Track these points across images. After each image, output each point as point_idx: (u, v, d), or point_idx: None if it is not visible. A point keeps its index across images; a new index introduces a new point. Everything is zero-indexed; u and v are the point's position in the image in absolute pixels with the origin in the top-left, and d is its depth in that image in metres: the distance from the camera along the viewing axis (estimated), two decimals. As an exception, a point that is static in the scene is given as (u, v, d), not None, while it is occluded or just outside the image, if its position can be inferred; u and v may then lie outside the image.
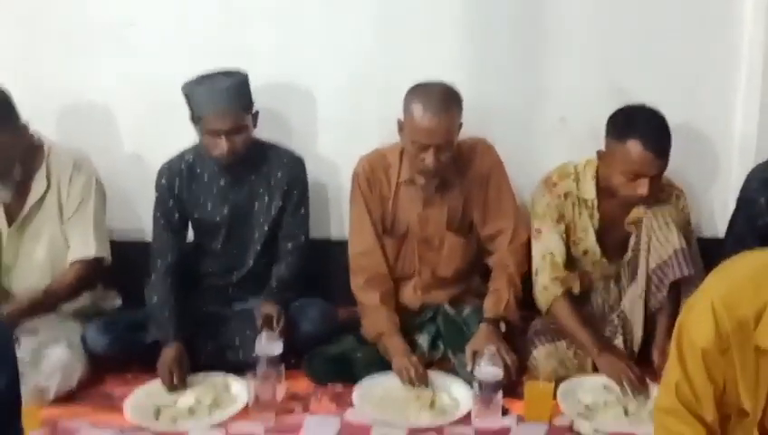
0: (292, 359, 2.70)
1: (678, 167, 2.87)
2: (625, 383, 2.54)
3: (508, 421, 2.46)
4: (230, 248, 2.91)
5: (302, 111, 3.14)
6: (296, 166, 2.89)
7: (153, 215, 2.89)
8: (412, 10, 3.05)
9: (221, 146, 2.68)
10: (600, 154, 2.69)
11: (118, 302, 3.01)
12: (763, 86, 3.01)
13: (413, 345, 2.76)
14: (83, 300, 2.86)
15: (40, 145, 2.77)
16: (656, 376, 2.55)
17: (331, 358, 2.73)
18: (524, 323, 2.82)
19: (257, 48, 3.02)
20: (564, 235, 2.77)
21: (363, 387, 2.62)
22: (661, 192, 2.69)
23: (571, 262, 2.80)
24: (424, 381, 2.60)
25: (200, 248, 2.95)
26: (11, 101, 2.64)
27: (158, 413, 2.52)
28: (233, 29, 3.04)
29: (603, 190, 2.73)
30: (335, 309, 2.90)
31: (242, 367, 2.63)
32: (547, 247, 2.75)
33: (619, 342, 2.71)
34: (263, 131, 2.88)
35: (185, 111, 2.73)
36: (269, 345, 2.56)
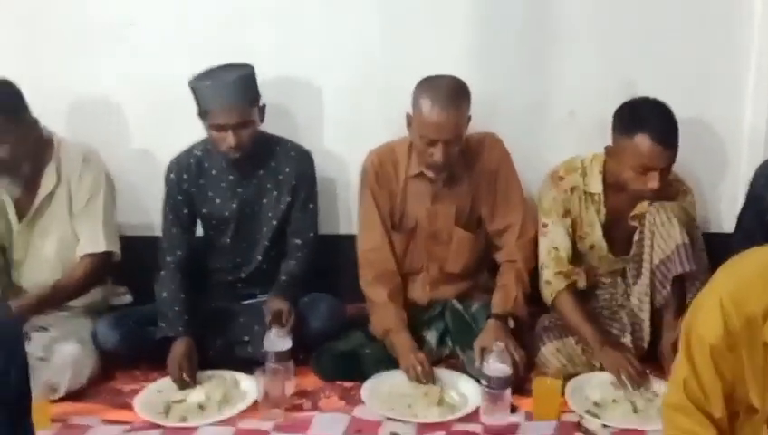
0: (301, 355, 2.70)
1: (687, 162, 2.87)
2: (624, 377, 2.54)
3: (516, 418, 2.46)
4: (239, 243, 2.92)
5: (309, 106, 3.14)
6: (304, 161, 2.89)
7: (162, 210, 2.90)
8: (418, 4, 3.04)
9: (228, 140, 2.68)
10: (607, 150, 2.69)
11: (128, 298, 3.01)
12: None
13: (421, 341, 2.77)
14: (93, 296, 2.86)
15: (49, 139, 2.78)
16: (663, 373, 2.55)
17: (340, 354, 2.74)
18: (532, 319, 2.82)
19: (262, 44, 3.02)
20: (570, 229, 2.77)
21: (372, 383, 2.62)
22: (669, 187, 2.68)
23: (577, 257, 2.80)
24: (430, 379, 2.60)
25: (209, 244, 2.96)
26: (22, 95, 2.66)
27: (167, 409, 2.52)
28: (235, 25, 3.03)
29: (610, 185, 2.72)
30: (344, 305, 2.90)
31: (251, 363, 2.63)
32: (552, 242, 2.75)
33: (627, 340, 2.70)
34: (269, 127, 2.89)
35: (191, 107, 2.73)
36: (278, 341, 2.57)
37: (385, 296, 2.77)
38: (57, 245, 2.80)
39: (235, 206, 2.86)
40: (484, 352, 2.55)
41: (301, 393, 2.63)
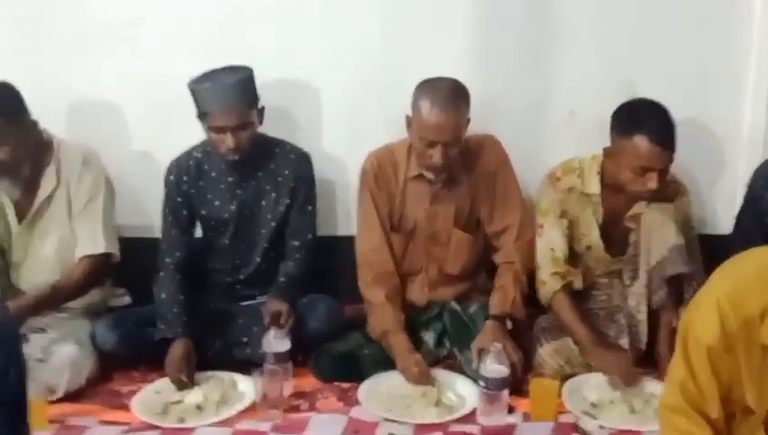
0: (299, 356, 2.71)
1: (686, 163, 2.88)
2: (615, 377, 2.54)
3: (514, 419, 2.46)
4: (238, 245, 2.92)
5: (308, 108, 3.14)
6: (303, 162, 2.90)
7: (161, 211, 2.91)
8: (418, 4, 3.05)
9: (227, 142, 2.68)
10: (606, 151, 2.69)
11: (127, 299, 3.01)
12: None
13: (419, 342, 2.77)
14: (92, 297, 2.86)
15: (49, 141, 2.78)
16: (661, 374, 2.55)
17: (338, 355, 2.74)
18: (530, 320, 2.82)
19: (261, 45, 3.02)
20: (567, 230, 2.77)
21: (369, 384, 2.62)
22: (666, 188, 2.68)
23: (574, 258, 2.80)
24: (427, 380, 2.60)
25: (208, 245, 2.96)
26: (21, 98, 2.66)
27: (165, 410, 2.52)
28: (235, 27, 3.04)
29: (608, 186, 2.73)
30: (342, 306, 2.90)
31: (249, 364, 2.63)
32: (549, 242, 2.75)
33: (624, 341, 2.70)
34: (269, 129, 2.89)
35: (191, 109, 2.73)
36: (277, 342, 2.57)
37: (383, 297, 2.77)
38: (56, 246, 2.80)
39: (234, 207, 2.87)
40: (481, 353, 2.55)
41: (298, 394, 2.63)
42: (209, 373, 2.69)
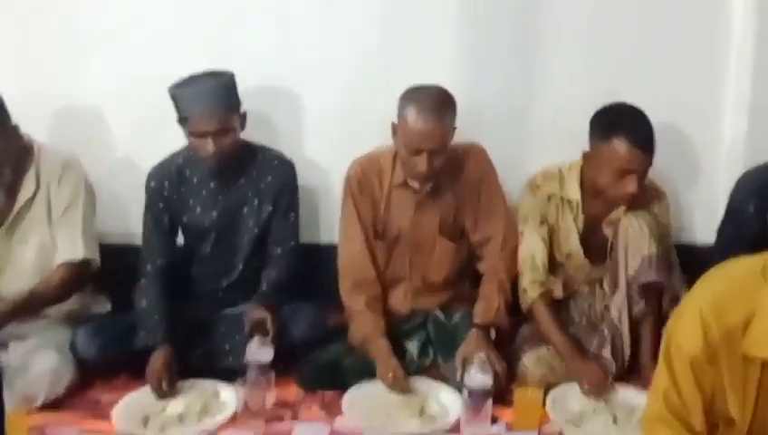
0: (282, 365, 2.68)
1: (666, 171, 2.90)
2: (586, 386, 2.55)
3: (497, 429, 2.46)
4: (219, 253, 2.90)
5: (291, 114, 3.14)
6: (286, 169, 2.89)
7: (143, 218, 2.88)
8: (405, 15, 3.05)
9: (207, 147, 2.67)
10: (585, 155, 2.70)
11: (107, 306, 2.99)
12: (752, 90, 3.02)
13: (403, 351, 2.76)
14: (72, 304, 2.83)
15: (30, 146, 2.76)
16: (644, 384, 2.55)
17: (321, 365, 2.72)
18: (513, 329, 2.82)
19: (245, 52, 3.02)
20: (547, 237, 2.77)
21: (353, 394, 2.60)
22: (644, 193, 2.70)
23: (555, 266, 2.80)
24: (402, 386, 2.58)
25: (190, 253, 2.94)
26: (2, 102, 2.63)
27: (146, 420, 2.50)
28: (220, 35, 3.04)
29: (588, 192, 2.74)
30: (325, 314, 2.89)
31: (231, 373, 2.61)
32: (529, 249, 2.75)
33: (606, 351, 2.69)
34: (252, 135, 2.88)
35: (174, 114, 2.72)
36: (259, 351, 2.55)
37: (363, 304, 2.76)
38: (36, 252, 2.77)
39: (215, 214, 2.85)
40: (465, 362, 2.54)
41: (281, 404, 2.61)
42: (191, 382, 2.67)
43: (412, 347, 2.81)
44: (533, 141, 3.14)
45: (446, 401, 2.59)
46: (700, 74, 3.07)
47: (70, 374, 2.66)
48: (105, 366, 2.74)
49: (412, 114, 2.58)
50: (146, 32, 3.07)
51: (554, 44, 3.07)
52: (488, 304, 2.74)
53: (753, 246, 2.61)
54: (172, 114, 2.73)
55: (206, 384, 2.67)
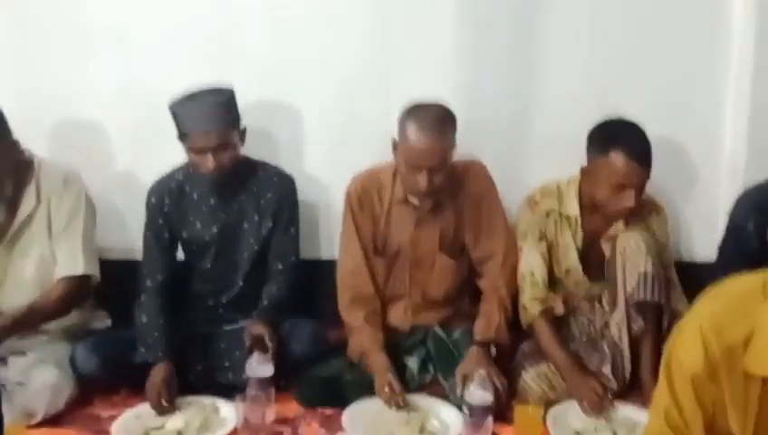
0: (282, 381, 2.67)
1: (665, 185, 2.90)
2: (586, 403, 2.54)
3: (498, 446, 2.45)
4: (219, 268, 2.90)
5: (290, 130, 3.15)
6: (286, 185, 2.89)
7: (143, 234, 2.88)
8: (404, 27, 3.06)
9: (207, 163, 2.68)
10: (583, 170, 2.71)
11: (107, 322, 2.98)
12: (752, 104, 3.02)
13: (403, 368, 2.75)
14: (72, 319, 2.82)
15: (30, 160, 2.76)
16: (645, 401, 2.55)
17: (321, 381, 2.72)
18: (513, 345, 2.81)
19: (245, 67, 3.03)
20: (546, 254, 2.77)
21: (353, 411, 2.59)
22: (641, 208, 2.70)
23: (554, 282, 2.81)
24: (398, 400, 2.57)
25: (190, 268, 2.94)
26: (3, 117, 2.64)
27: (145, 436, 2.49)
28: (219, 50, 3.05)
29: (586, 207, 2.74)
30: (326, 330, 2.88)
31: (231, 389, 2.61)
32: (528, 266, 2.76)
33: (607, 369, 2.69)
34: (252, 151, 2.89)
35: (174, 129, 2.73)
36: (259, 367, 2.54)
37: (362, 319, 2.76)
38: (36, 266, 2.77)
39: (215, 230, 2.85)
40: (465, 379, 2.54)
41: (281, 420, 2.60)
42: (190, 398, 2.66)
43: (412, 364, 2.80)
44: (533, 153, 3.14)
45: (446, 418, 2.58)
46: (700, 85, 3.08)
47: (69, 390, 2.65)
48: (105, 382, 2.73)
49: (413, 131, 2.58)
50: (145, 46, 3.08)
51: (553, 53, 3.07)
52: (489, 321, 2.74)
53: (754, 264, 2.63)
54: (171, 129, 2.73)
55: (206, 400, 2.66)
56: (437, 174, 2.63)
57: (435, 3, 3.04)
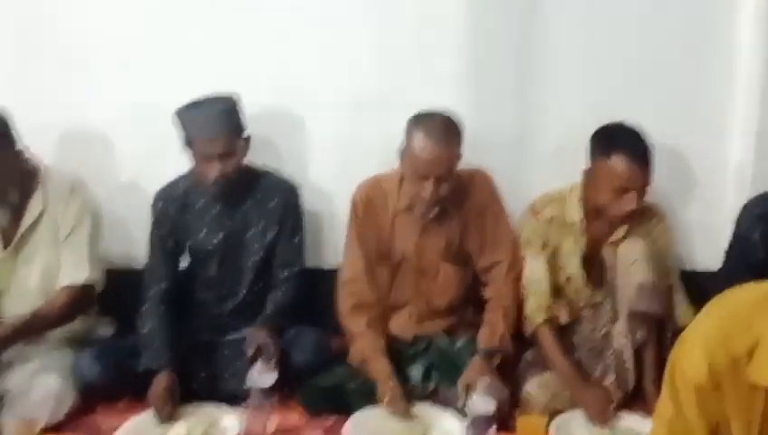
0: (285, 389, 2.67)
1: (671, 196, 2.89)
2: (589, 413, 2.53)
3: (501, 455, 2.44)
4: (224, 276, 2.90)
5: (295, 139, 3.15)
6: (291, 193, 2.89)
7: (148, 241, 2.89)
8: (408, 40, 3.06)
9: (212, 170, 2.69)
10: (584, 174, 2.72)
11: (111, 329, 2.98)
12: (761, 116, 3.02)
13: (405, 377, 2.74)
14: (76, 327, 2.82)
15: (36, 168, 2.77)
16: (649, 411, 2.54)
17: (324, 389, 2.71)
18: (516, 354, 2.81)
19: (250, 76, 3.02)
20: (549, 261, 2.77)
21: (356, 419, 2.58)
22: (642, 214, 2.71)
23: (557, 290, 2.80)
24: (399, 407, 2.56)
25: (194, 276, 2.94)
26: (10, 124, 2.65)
27: (148, 445, 2.49)
28: (225, 58, 3.05)
29: (589, 213, 2.75)
30: (329, 339, 2.88)
31: (234, 397, 2.60)
32: (532, 274, 2.76)
33: (611, 379, 2.68)
34: (256, 159, 2.89)
35: (179, 139, 2.74)
36: (262, 376, 2.53)
37: (363, 325, 2.76)
38: (41, 274, 2.77)
39: (220, 238, 2.86)
40: (468, 388, 2.53)
41: (284, 429, 2.60)
42: (193, 406, 2.65)
43: (415, 372, 2.79)
44: (535, 168, 3.14)
45: (449, 427, 2.57)
46: (705, 98, 3.07)
47: (72, 398, 2.65)
48: (107, 389, 2.72)
49: (419, 140, 2.58)
50: (150, 56, 3.08)
51: (556, 70, 3.07)
52: (492, 330, 2.73)
53: (759, 273, 2.62)
54: (176, 138, 2.74)
55: (209, 408, 2.65)
56: (443, 183, 2.63)
57: (440, 15, 3.04)
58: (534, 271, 2.75)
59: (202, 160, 2.70)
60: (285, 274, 2.87)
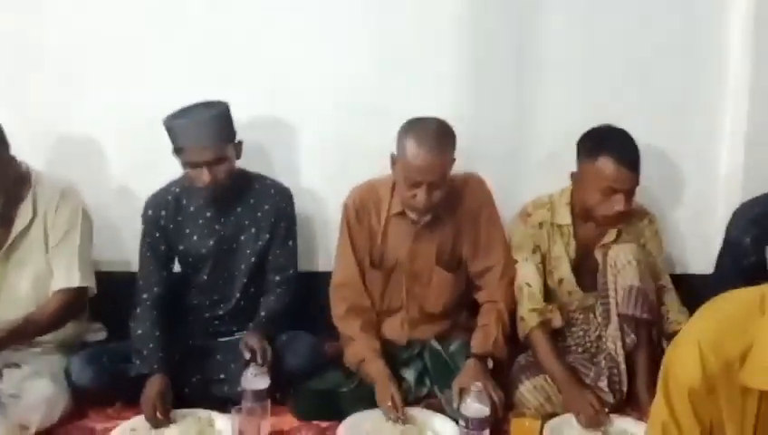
0: (278, 394, 2.67)
1: (662, 199, 2.89)
2: (581, 417, 2.54)
3: (494, 459, 2.44)
4: (216, 281, 2.90)
5: (287, 144, 3.16)
6: (283, 197, 2.89)
7: (140, 246, 2.88)
8: (402, 45, 3.08)
9: (203, 177, 2.68)
10: (573, 176, 2.73)
11: (103, 334, 2.97)
12: (749, 120, 3.04)
13: (399, 381, 2.73)
14: (68, 331, 2.81)
15: (27, 174, 2.76)
16: (642, 415, 2.55)
17: (318, 393, 2.71)
18: (510, 358, 2.81)
19: (242, 81, 3.04)
20: (541, 265, 2.78)
21: (349, 424, 2.58)
22: (632, 216, 2.73)
23: (548, 293, 2.81)
24: (398, 414, 2.55)
25: (186, 280, 2.93)
26: (1, 130, 2.64)
27: (140, 449, 2.48)
28: (217, 64, 3.06)
29: (578, 216, 2.76)
30: (322, 343, 2.87)
31: (227, 401, 2.60)
32: (524, 278, 2.77)
33: (604, 383, 2.68)
34: (248, 164, 2.89)
35: (170, 143, 2.73)
36: (255, 380, 2.53)
37: (358, 328, 2.76)
38: (32, 279, 2.76)
39: (212, 243, 2.85)
40: (462, 392, 2.53)
41: (277, 433, 2.59)
42: (186, 411, 2.65)
43: (409, 377, 2.80)
44: (529, 173, 3.16)
45: (443, 431, 2.57)
46: (696, 101, 3.10)
47: (64, 402, 2.64)
48: (100, 394, 2.72)
49: (412, 147, 2.58)
50: (141, 62, 3.09)
51: (550, 76, 3.10)
52: (486, 335, 2.74)
53: (751, 277, 2.63)
54: (167, 143, 2.73)
55: (201, 413, 2.65)
56: (436, 189, 2.62)
57: (435, 21, 3.06)
58: (527, 275, 2.76)
59: (192, 168, 2.69)
60: (278, 278, 2.87)
